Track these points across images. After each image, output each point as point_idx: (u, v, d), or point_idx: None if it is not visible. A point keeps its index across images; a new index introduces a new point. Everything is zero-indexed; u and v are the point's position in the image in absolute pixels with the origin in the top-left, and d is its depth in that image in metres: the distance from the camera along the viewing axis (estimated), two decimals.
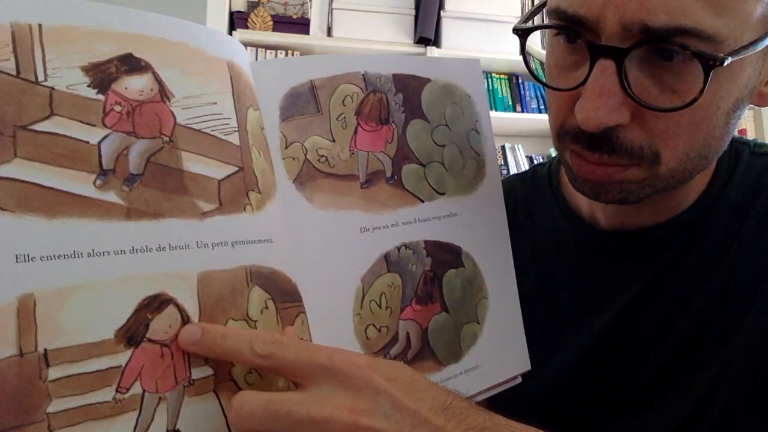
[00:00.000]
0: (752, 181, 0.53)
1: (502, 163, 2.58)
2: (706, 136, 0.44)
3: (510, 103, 2.56)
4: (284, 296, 0.39)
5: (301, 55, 2.31)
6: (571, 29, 0.43)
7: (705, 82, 0.40)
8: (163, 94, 0.35)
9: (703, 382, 0.50)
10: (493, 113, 2.47)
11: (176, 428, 0.34)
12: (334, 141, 0.43)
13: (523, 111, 2.55)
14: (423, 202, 0.47)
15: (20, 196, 0.30)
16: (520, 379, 0.53)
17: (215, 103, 0.37)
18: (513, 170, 2.53)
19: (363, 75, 0.45)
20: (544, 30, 0.46)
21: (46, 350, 0.30)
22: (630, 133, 0.43)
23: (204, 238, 0.35)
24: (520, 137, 2.69)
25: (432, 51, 2.40)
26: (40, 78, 0.31)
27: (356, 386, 0.33)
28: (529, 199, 0.67)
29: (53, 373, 0.30)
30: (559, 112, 0.47)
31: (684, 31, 0.39)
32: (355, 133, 0.44)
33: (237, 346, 0.34)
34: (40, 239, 0.30)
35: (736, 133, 0.50)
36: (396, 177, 0.46)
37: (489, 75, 2.59)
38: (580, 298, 0.58)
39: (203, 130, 0.36)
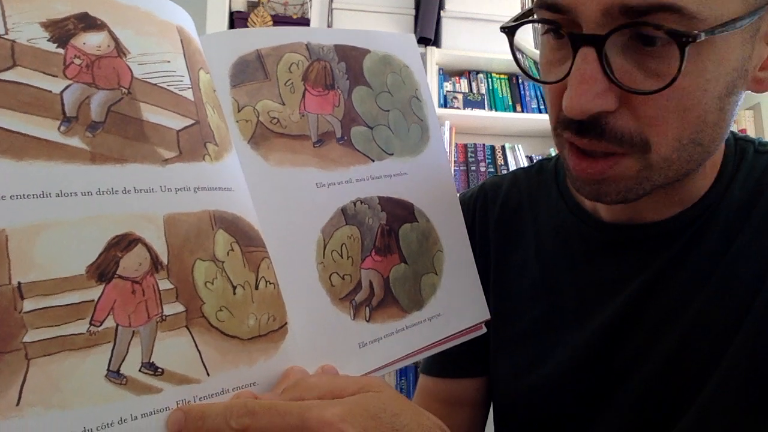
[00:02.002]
0: (756, 179, 0.53)
1: (503, 163, 2.57)
2: (697, 122, 0.44)
3: (510, 103, 2.58)
4: (248, 241, 0.40)
5: None
6: (553, 22, 0.45)
7: (681, 60, 0.40)
8: (119, 50, 0.37)
9: (707, 378, 0.50)
10: (493, 113, 2.52)
11: (151, 361, 0.35)
12: (284, 104, 0.46)
13: (523, 111, 2.57)
14: (373, 161, 0.50)
15: None
16: (484, 329, 0.55)
17: (168, 62, 0.39)
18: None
19: (306, 45, 0.48)
20: (537, 31, 0.48)
21: (20, 283, 0.31)
22: (619, 120, 0.44)
23: (167, 182, 0.37)
24: (520, 137, 2.70)
25: (432, 51, 2.41)
26: (1, 32, 0.33)
27: None
28: (534, 192, 0.67)
29: (28, 305, 0.32)
30: (552, 106, 0.49)
31: (664, 7, 0.39)
32: (303, 97, 0.47)
33: (215, 424, 0.35)
34: (9, 179, 0.32)
35: (735, 129, 0.51)
36: (346, 137, 0.48)
37: (489, 75, 2.61)
38: (582, 292, 0.59)
39: (159, 85, 0.38)
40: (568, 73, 0.43)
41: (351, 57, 0.50)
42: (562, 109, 0.46)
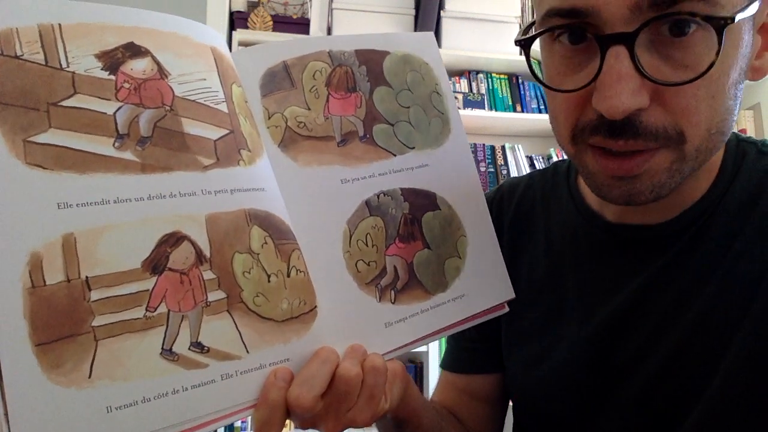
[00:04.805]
0: (758, 180, 0.53)
1: (503, 163, 2.59)
2: (722, 110, 0.45)
3: (510, 103, 2.59)
4: (280, 234, 0.46)
5: None
6: (575, 27, 0.45)
7: (720, 44, 0.41)
8: (162, 72, 0.43)
9: (708, 377, 0.50)
10: (493, 113, 2.53)
11: (198, 340, 0.41)
12: (309, 109, 0.51)
13: (523, 111, 2.58)
14: (395, 155, 0.54)
15: (56, 157, 0.38)
16: (507, 308, 0.59)
17: (204, 79, 0.45)
18: (513, 170, 2.57)
19: (328, 52, 0.53)
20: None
21: (87, 277, 0.38)
22: (652, 116, 0.44)
23: (207, 186, 0.43)
24: (520, 137, 2.72)
25: None
26: (63, 65, 0.39)
27: None
28: (547, 194, 0.69)
29: (94, 295, 0.38)
30: (569, 114, 0.48)
31: None
32: (327, 101, 0.52)
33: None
34: (75, 190, 0.38)
35: (735, 129, 0.50)
36: (368, 135, 0.53)
37: (489, 75, 2.62)
38: (585, 289, 0.60)
39: (197, 101, 0.44)
40: (595, 78, 0.44)
41: (371, 60, 0.55)
42: (582, 116, 0.47)
